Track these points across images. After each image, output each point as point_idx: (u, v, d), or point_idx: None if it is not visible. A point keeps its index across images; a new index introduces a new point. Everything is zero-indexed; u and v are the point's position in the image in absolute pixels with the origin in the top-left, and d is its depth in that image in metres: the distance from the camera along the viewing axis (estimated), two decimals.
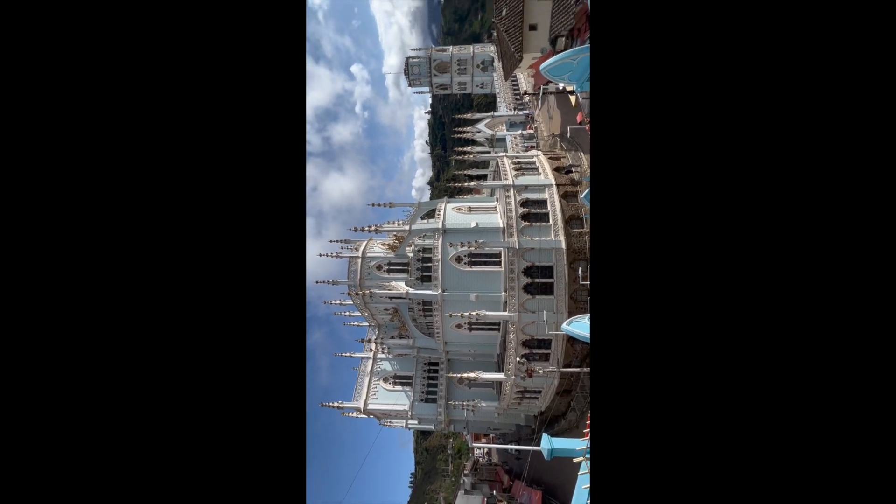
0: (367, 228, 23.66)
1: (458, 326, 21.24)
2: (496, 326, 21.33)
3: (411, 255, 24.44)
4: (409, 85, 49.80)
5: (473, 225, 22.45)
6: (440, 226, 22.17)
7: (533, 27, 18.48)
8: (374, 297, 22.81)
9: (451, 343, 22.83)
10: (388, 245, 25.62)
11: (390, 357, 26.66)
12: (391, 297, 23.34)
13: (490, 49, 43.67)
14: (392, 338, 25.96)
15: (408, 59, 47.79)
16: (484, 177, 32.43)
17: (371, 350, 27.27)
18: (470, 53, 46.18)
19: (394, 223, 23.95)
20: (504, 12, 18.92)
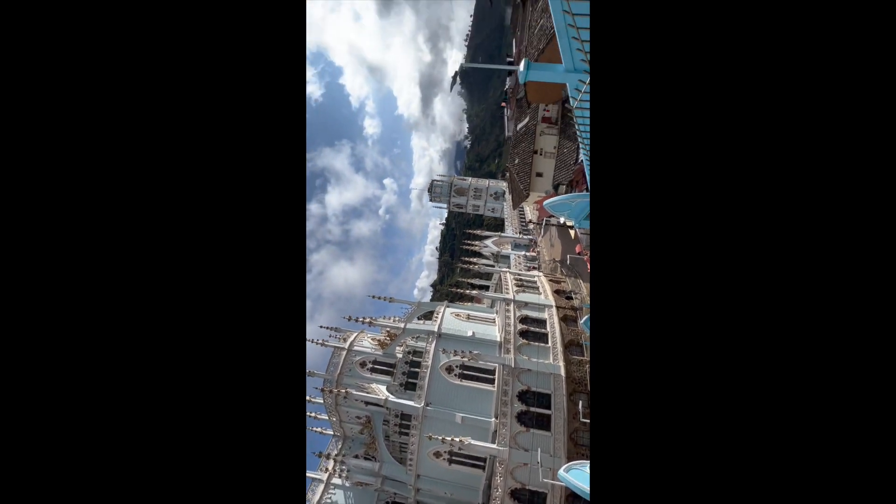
0: (361, 319, 23.02)
1: (437, 455, 17.97)
2: (481, 463, 17.98)
3: (400, 356, 22.91)
4: (431, 200, 57.13)
5: (470, 334, 21.73)
6: (436, 329, 21.51)
7: (539, 174, 22.37)
8: (348, 398, 20.28)
9: (424, 477, 18.84)
10: (379, 341, 24.35)
11: (347, 484, 21.70)
12: (367, 402, 20.69)
13: (503, 184, 51.69)
14: (356, 457, 21.75)
15: (433, 180, 56.37)
16: (486, 288, 33.31)
17: (326, 469, 22.47)
18: (486, 185, 54.48)
19: (389, 319, 23.41)
20: (517, 161, 23.27)
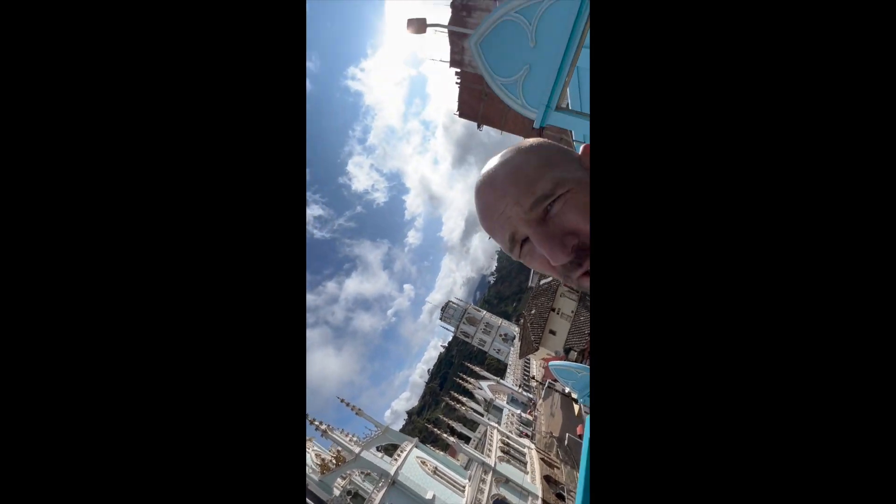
0: (315, 423, 19.67)
1: None
2: None
3: (337, 492, 18.09)
4: (441, 318, 56.67)
5: (430, 496, 17.20)
6: (392, 471, 17.44)
7: (553, 332, 22.00)
8: None
9: None
10: (322, 460, 19.94)
11: None
12: None
13: (515, 329, 50.94)
14: None
15: (449, 301, 57.36)
16: (467, 439, 28.30)
17: None
18: (498, 323, 54.00)
19: (347, 435, 19.79)
20: (533, 311, 23.56)
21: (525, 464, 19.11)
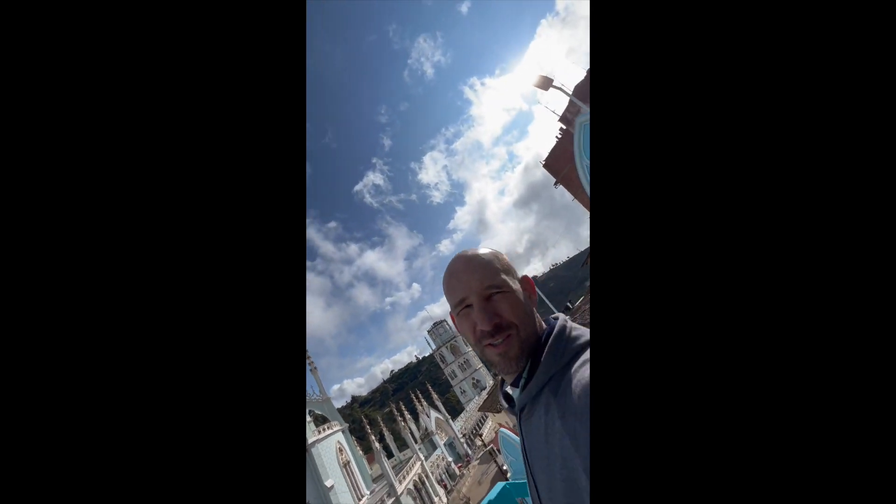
0: None
1: None
2: None
3: None
4: (428, 332, 56.27)
5: (329, 484, 16.84)
6: (310, 440, 17.37)
7: None
8: None
9: None
10: None
11: None
12: None
13: (489, 381, 49.11)
14: None
15: (444, 321, 56.87)
16: (390, 455, 27.40)
17: None
18: (478, 367, 52.42)
19: None
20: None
21: None
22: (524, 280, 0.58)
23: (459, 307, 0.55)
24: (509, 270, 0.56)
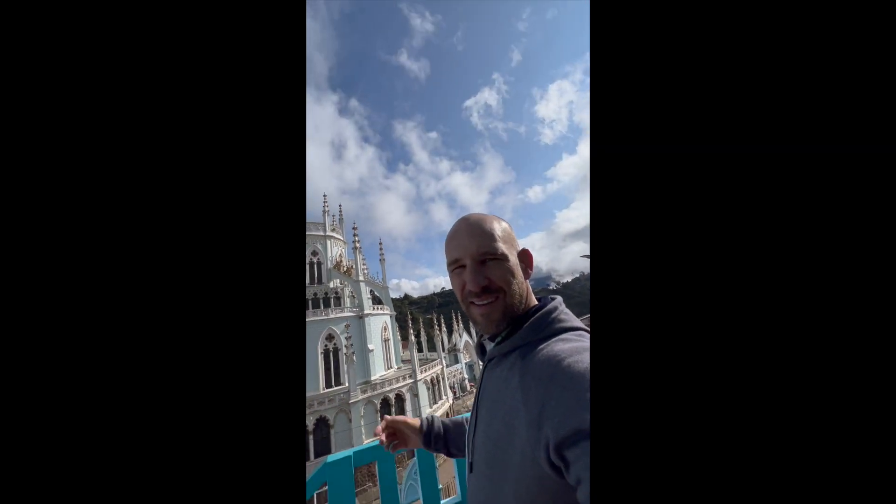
0: (355, 231, 23.81)
1: None
2: None
3: (332, 285, 22.93)
4: None
5: (371, 346, 21.22)
6: (367, 311, 21.39)
7: None
8: None
9: None
10: (339, 259, 24.77)
11: None
12: None
13: None
14: None
15: None
16: (420, 349, 32.15)
17: None
18: None
19: (363, 262, 23.89)
20: None
21: (436, 403, 21.86)
22: (523, 253, 0.61)
23: (454, 266, 0.59)
24: (508, 240, 0.59)
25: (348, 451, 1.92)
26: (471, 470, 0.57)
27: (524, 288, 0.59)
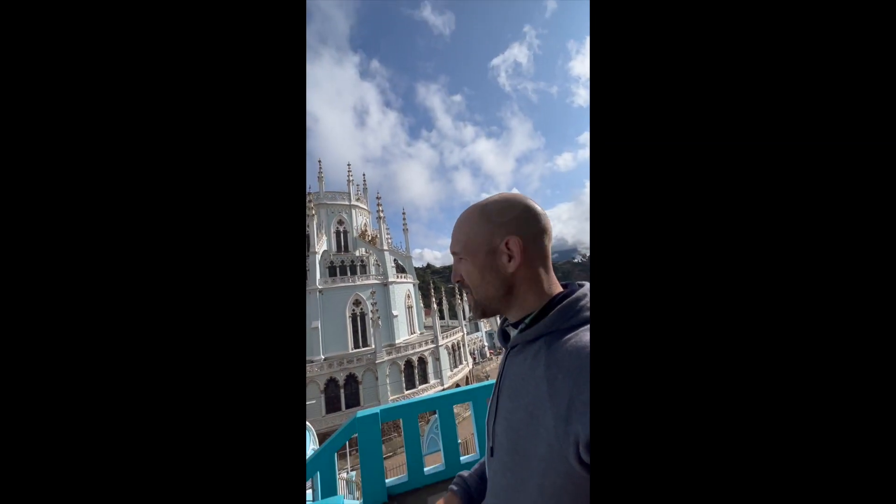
0: (379, 200, 24.07)
1: None
2: None
3: (357, 253, 23.76)
4: None
5: (395, 312, 22.23)
6: (390, 279, 22.13)
7: None
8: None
9: None
10: (364, 229, 25.32)
11: None
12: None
13: None
14: None
15: None
16: (442, 316, 33.31)
17: None
18: None
19: (387, 232, 24.28)
20: None
21: (456, 367, 22.98)
22: (510, 242, 0.57)
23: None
24: (482, 234, 0.58)
25: (376, 409, 2.11)
26: (491, 454, 0.57)
27: (498, 280, 0.57)
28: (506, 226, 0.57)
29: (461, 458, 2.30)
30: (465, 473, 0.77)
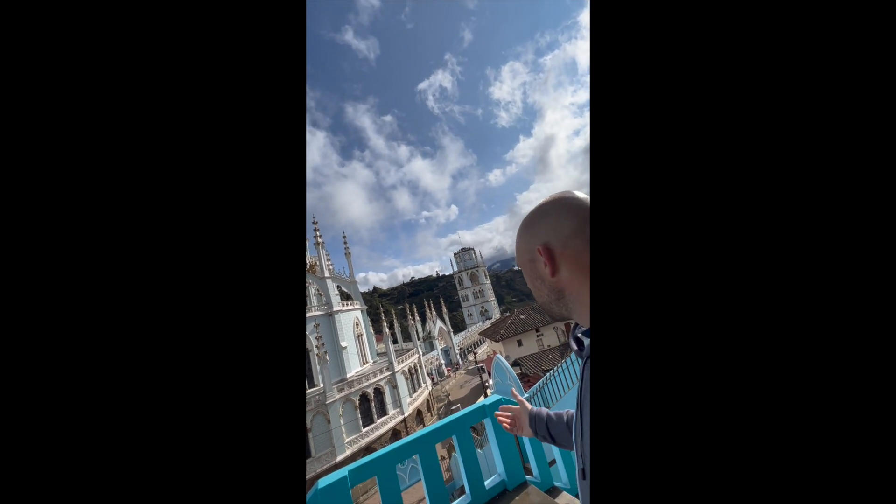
0: (316, 226, 22.60)
1: None
2: None
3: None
4: (454, 255, 58.56)
5: (343, 344, 20.53)
6: (335, 307, 20.58)
7: (519, 343, 22.75)
8: None
9: None
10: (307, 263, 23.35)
11: None
12: None
13: (496, 314, 52.45)
14: None
15: (472, 249, 58.36)
16: (395, 341, 32.01)
17: None
18: (491, 299, 55.50)
19: (328, 259, 22.77)
20: (523, 316, 24.02)
21: (415, 391, 21.97)
22: (541, 250, 0.57)
23: None
24: (523, 244, 0.59)
25: (342, 472, 1.71)
26: (583, 476, 0.54)
27: (548, 286, 0.57)
28: (538, 233, 0.57)
29: None
30: (546, 410, 0.94)
